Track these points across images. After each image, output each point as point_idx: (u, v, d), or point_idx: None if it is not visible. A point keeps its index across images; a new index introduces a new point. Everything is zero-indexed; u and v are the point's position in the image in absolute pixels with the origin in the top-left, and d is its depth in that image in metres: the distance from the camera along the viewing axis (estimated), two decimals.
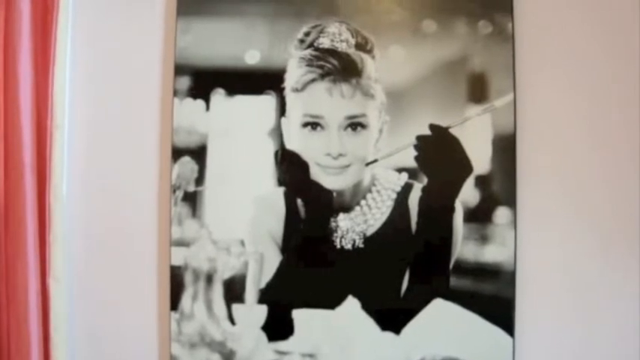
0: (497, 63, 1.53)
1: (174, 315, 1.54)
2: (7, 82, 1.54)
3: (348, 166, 1.53)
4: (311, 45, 1.54)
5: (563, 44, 1.56)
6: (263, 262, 1.54)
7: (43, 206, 1.54)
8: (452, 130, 1.51)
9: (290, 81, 1.54)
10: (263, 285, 1.54)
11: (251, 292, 1.54)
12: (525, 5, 1.55)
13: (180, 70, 1.58)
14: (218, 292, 1.54)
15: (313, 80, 1.53)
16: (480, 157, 1.52)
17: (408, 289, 1.52)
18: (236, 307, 1.54)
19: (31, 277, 1.51)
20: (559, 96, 1.55)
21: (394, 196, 1.54)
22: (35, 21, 1.55)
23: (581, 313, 1.54)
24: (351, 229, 1.53)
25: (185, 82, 1.58)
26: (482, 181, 1.52)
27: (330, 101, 1.52)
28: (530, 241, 1.53)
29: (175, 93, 1.58)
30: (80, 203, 1.60)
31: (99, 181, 1.61)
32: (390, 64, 1.54)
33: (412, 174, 1.53)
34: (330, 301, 1.52)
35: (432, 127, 1.51)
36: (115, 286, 1.60)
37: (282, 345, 1.53)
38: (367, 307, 1.52)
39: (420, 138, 1.51)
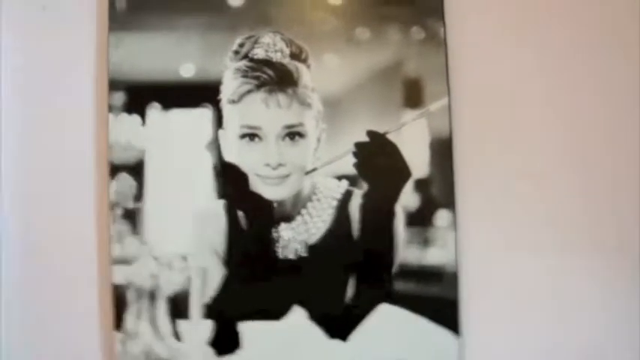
0: (431, 68, 1.55)
1: (118, 335, 1.51)
2: None
3: (287, 175, 1.52)
4: (246, 56, 1.54)
5: (494, 47, 1.59)
6: (206, 277, 1.52)
7: None
8: (389, 136, 1.53)
9: (226, 93, 1.53)
10: (208, 299, 1.52)
11: (196, 308, 1.52)
12: (456, 11, 1.57)
13: (114, 85, 1.55)
14: (162, 308, 1.52)
15: (249, 91, 1.52)
16: (419, 161, 1.54)
17: (353, 295, 1.52)
18: (181, 324, 1.52)
19: None
20: (493, 98, 1.58)
21: (335, 203, 1.55)
22: None
23: (524, 311, 1.56)
24: (293, 238, 1.53)
25: (120, 97, 1.55)
26: (421, 185, 1.54)
27: (267, 111, 1.52)
28: (471, 242, 1.55)
29: (110, 109, 1.55)
30: (15, 225, 1.56)
31: (33, 200, 1.57)
32: (326, 72, 1.55)
33: (352, 181, 1.54)
34: (275, 312, 1.51)
35: (370, 133, 1.52)
36: (55, 309, 1.55)
37: (230, 359, 1.51)
38: (313, 316, 1.51)
39: (358, 145, 1.52)
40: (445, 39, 1.56)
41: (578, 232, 1.57)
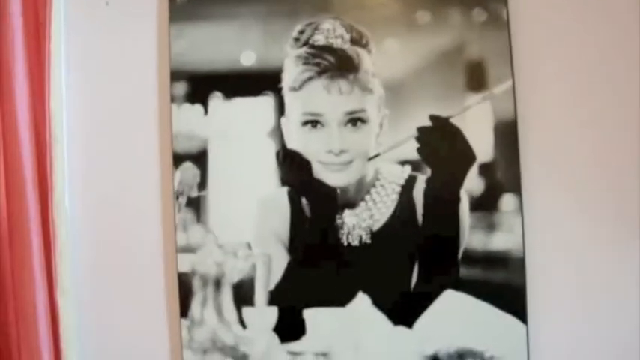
0: (494, 50, 1.52)
1: (185, 322, 1.54)
2: (3, 98, 1.53)
3: (350, 162, 1.52)
4: (306, 43, 1.53)
5: (558, 28, 1.55)
6: (271, 264, 1.53)
7: (46, 221, 1.53)
8: (452, 120, 1.51)
9: (287, 80, 1.53)
10: (272, 286, 1.53)
11: (260, 295, 1.53)
12: None
13: (176, 75, 1.57)
14: (227, 296, 1.54)
15: (310, 78, 1.52)
16: (483, 146, 1.51)
17: (417, 281, 1.51)
18: (246, 311, 1.53)
19: (38, 293, 1.50)
20: (558, 80, 1.54)
21: (398, 189, 1.53)
22: (28, 35, 1.54)
23: (592, 296, 1.53)
24: (357, 225, 1.52)
25: (182, 87, 1.57)
26: (486, 170, 1.51)
27: (329, 98, 1.51)
28: (537, 227, 1.52)
29: (173, 99, 1.57)
30: (83, 216, 1.60)
31: (101, 192, 1.60)
32: (387, 57, 1.53)
33: (415, 166, 1.52)
34: (340, 298, 1.51)
35: (433, 118, 1.51)
36: (123, 296, 1.59)
37: (294, 345, 1.52)
38: (378, 303, 1.51)
39: (420, 130, 1.51)
40: (508, 20, 1.53)
41: None
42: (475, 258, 1.51)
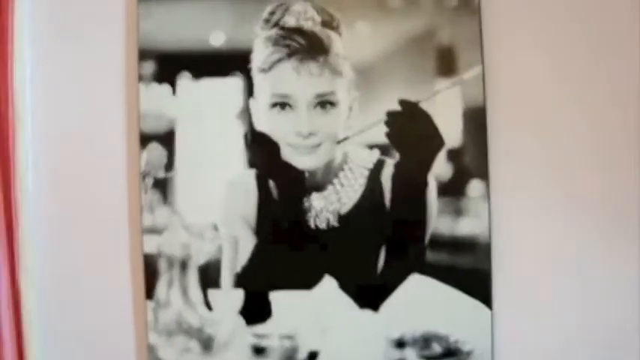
0: (465, 36, 1.53)
1: (150, 304, 1.52)
2: None
3: (319, 145, 1.51)
4: (276, 24, 1.52)
5: (529, 15, 1.55)
6: (237, 246, 1.52)
7: (8, 200, 1.50)
8: (422, 105, 1.51)
9: (257, 61, 1.52)
10: (238, 269, 1.52)
11: (227, 277, 1.52)
12: None
13: (144, 54, 1.55)
14: (193, 278, 1.53)
15: (280, 60, 1.51)
16: (451, 131, 1.52)
17: (384, 265, 1.51)
18: (212, 293, 1.52)
19: (1, 275, 1.47)
20: (527, 66, 1.55)
21: (366, 173, 1.53)
22: None
23: (557, 282, 1.55)
24: (324, 208, 1.52)
25: (150, 66, 1.55)
26: (454, 155, 1.52)
27: (298, 80, 1.50)
28: (504, 213, 1.53)
29: (140, 78, 1.55)
30: (47, 195, 1.57)
31: (65, 171, 1.57)
32: (357, 40, 1.53)
33: (384, 150, 1.52)
34: (306, 281, 1.51)
35: (402, 102, 1.50)
36: (87, 278, 1.57)
37: (260, 328, 1.52)
38: (344, 286, 1.51)
39: (390, 114, 1.50)
40: (479, 6, 1.53)
41: (609, 205, 1.54)
42: (442, 243, 1.52)
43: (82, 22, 1.59)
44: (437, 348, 1.51)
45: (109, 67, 1.57)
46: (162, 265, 1.53)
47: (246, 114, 1.53)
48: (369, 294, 1.51)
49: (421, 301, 1.51)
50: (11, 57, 1.51)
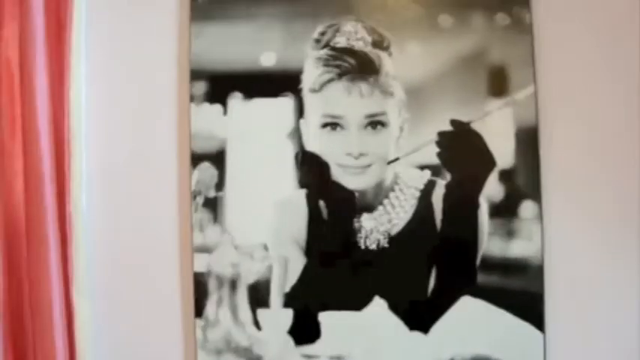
0: (517, 55, 1.51)
1: (199, 322, 1.53)
2: (23, 93, 1.53)
3: (369, 165, 1.51)
4: (327, 44, 1.53)
5: (582, 33, 1.53)
6: (287, 266, 1.52)
7: (63, 218, 1.53)
8: (473, 125, 1.49)
9: (307, 82, 1.53)
10: (288, 289, 1.52)
11: (276, 297, 1.52)
12: None
13: (195, 75, 1.57)
14: (243, 297, 1.53)
15: (331, 80, 1.51)
16: (503, 152, 1.50)
17: (435, 287, 1.50)
18: (261, 312, 1.52)
19: (54, 291, 1.50)
20: (580, 87, 1.53)
21: (417, 194, 1.52)
22: (49, 31, 1.54)
23: (611, 306, 1.51)
24: (375, 228, 1.52)
25: (201, 87, 1.57)
26: (506, 176, 1.50)
27: (349, 100, 1.50)
28: (556, 235, 1.51)
29: (192, 98, 1.57)
30: (100, 213, 1.59)
31: (118, 190, 1.60)
32: (408, 60, 1.52)
33: (435, 171, 1.51)
34: (356, 302, 1.50)
35: (453, 122, 1.49)
36: (138, 295, 1.58)
37: (309, 349, 1.51)
38: (394, 307, 1.50)
39: (441, 134, 1.50)
40: (531, 26, 1.51)
41: None
42: (493, 264, 1.50)
43: (136, 42, 1.61)
44: None
45: (162, 87, 1.59)
46: (211, 283, 1.54)
47: (297, 134, 1.54)
48: (419, 316, 1.50)
49: (472, 324, 1.49)
50: (68, 77, 1.54)
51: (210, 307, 1.54)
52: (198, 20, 1.57)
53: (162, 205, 1.58)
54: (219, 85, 1.56)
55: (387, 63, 1.51)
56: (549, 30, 1.52)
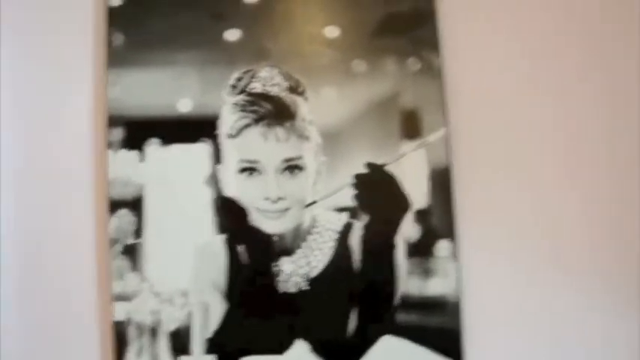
0: (428, 99, 1.56)
1: None
2: None
3: (287, 209, 1.52)
4: (243, 90, 1.54)
5: (490, 77, 1.60)
6: (208, 312, 1.51)
7: None
8: (388, 167, 1.53)
9: (224, 127, 1.54)
10: (209, 334, 1.51)
11: (197, 343, 1.51)
12: (451, 42, 1.59)
13: (113, 121, 1.56)
14: (164, 345, 1.51)
15: (247, 125, 1.52)
16: (418, 192, 1.54)
17: (356, 327, 1.51)
18: (183, 359, 1.51)
19: None
20: (491, 127, 1.59)
21: (335, 236, 1.54)
22: None
23: (528, 342, 1.56)
24: (294, 272, 1.52)
25: (118, 133, 1.56)
26: (421, 216, 1.54)
27: (266, 145, 1.52)
28: (472, 272, 1.55)
29: (109, 145, 1.55)
30: (14, 263, 1.55)
31: (33, 238, 1.56)
32: (323, 105, 1.55)
33: (352, 213, 1.54)
34: (278, 346, 1.50)
35: (369, 165, 1.53)
36: (55, 345, 1.54)
37: None
38: (316, 349, 1.50)
39: (357, 177, 1.52)
40: (441, 70, 1.57)
41: (580, 262, 1.57)
42: (412, 303, 1.53)
43: (51, 88, 1.59)
44: None
45: (78, 133, 1.57)
46: (131, 332, 1.51)
47: (215, 179, 1.54)
48: (341, 356, 1.50)
49: None
50: None
51: (130, 357, 1.51)
52: (115, 66, 1.57)
53: (80, 253, 1.55)
54: (137, 131, 1.56)
55: (303, 107, 1.54)
56: (458, 73, 1.58)
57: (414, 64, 1.57)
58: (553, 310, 1.56)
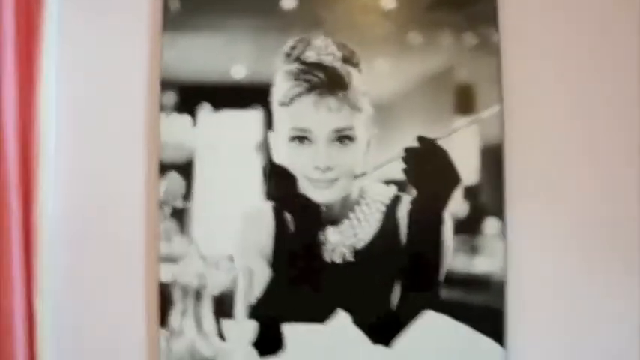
0: (484, 74, 1.54)
1: (164, 332, 1.53)
2: None
3: (336, 179, 1.52)
4: (297, 59, 1.54)
5: (548, 54, 1.56)
6: (252, 277, 1.53)
7: (28, 225, 1.52)
8: (439, 142, 1.51)
9: (277, 95, 1.54)
10: (253, 300, 1.53)
11: (241, 308, 1.53)
12: (510, 17, 1.55)
13: (166, 85, 1.57)
14: (207, 308, 1.53)
15: (300, 94, 1.52)
16: (468, 169, 1.52)
17: (398, 301, 1.51)
18: (226, 323, 1.52)
19: (16, 297, 1.49)
20: (546, 105, 1.56)
21: (383, 209, 1.54)
22: (20, 38, 1.53)
23: (571, 322, 1.54)
24: (340, 242, 1.53)
25: (171, 97, 1.57)
26: (470, 193, 1.52)
27: (317, 114, 1.52)
28: (519, 252, 1.53)
29: (162, 108, 1.57)
30: (67, 221, 1.59)
31: (85, 198, 1.59)
32: (377, 76, 1.54)
33: (401, 186, 1.53)
34: (320, 315, 1.51)
35: (420, 139, 1.51)
36: (102, 305, 1.58)
37: None
38: (358, 321, 1.51)
39: (408, 150, 1.51)
40: (498, 46, 1.54)
41: (633, 247, 1.54)
42: (457, 280, 1.52)
43: (108, 50, 1.62)
44: None
45: (132, 95, 1.59)
46: (176, 294, 1.54)
47: (265, 147, 1.55)
48: (382, 329, 1.51)
49: (434, 338, 1.51)
50: (38, 85, 1.53)
51: (174, 318, 1.53)
52: (170, 30, 1.58)
53: (130, 214, 1.58)
54: (189, 96, 1.57)
55: (357, 78, 1.53)
56: (516, 50, 1.55)
57: (470, 38, 1.54)
58: (599, 292, 1.54)
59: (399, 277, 1.51)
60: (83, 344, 1.57)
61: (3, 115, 1.51)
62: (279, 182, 1.53)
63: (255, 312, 1.52)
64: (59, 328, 1.56)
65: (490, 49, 1.54)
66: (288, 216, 1.54)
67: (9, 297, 1.49)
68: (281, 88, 1.54)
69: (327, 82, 1.52)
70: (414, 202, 1.52)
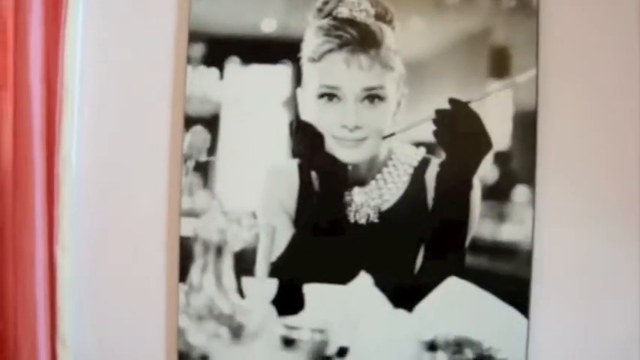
0: (521, 38, 1.49)
1: (183, 287, 1.52)
2: (16, 47, 1.51)
3: (364, 139, 1.49)
4: (329, 14, 1.50)
5: (589, 18, 1.52)
6: (275, 235, 1.51)
7: (51, 174, 1.51)
8: (472, 105, 1.48)
9: (307, 51, 1.50)
10: (274, 258, 1.51)
11: (262, 266, 1.51)
12: None
13: (194, 37, 1.54)
14: (228, 264, 1.52)
15: (331, 50, 1.49)
16: (500, 134, 1.48)
17: (422, 266, 1.49)
18: (246, 281, 1.51)
19: (38, 245, 1.49)
20: (583, 73, 1.51)
21: (411, 171, 1.51)
22: None
23: (595, 296, 1.51)
24: (365, 203, 1.50)
25: (199, 49, 1.54)
26: (501, 158, 1.49)
27: (348, 72, 1.48)
28: (548, 221, 1.49)
29: (189, 60, 1.54)
30: (90, 172, 1.57)
31: (109, 148, 1.58)
32: (411, 35, 1.50)
33: (430, 149, 1.50)
34: (342, 276, 1.49)
35: (452, 101, 1.48)
36: (123, 256, 1.57)
37: (291, 320, 1.50)
38: (380, 284, 1.49)
39: (439, 112, 1.48)
40: (537, 8, 1.49)
41: None
42: (482, 247, 1.49)
43: (134, 3, 1.59)
44: (469, 353, 1.48)
45: (159, 47, 1.56)
46: (197, 249, 1.52)
47: (293, 103, 1.52)
48: (404, 294, 1.49)
49: (457, 305, 1.48)
50: (64, 31, 1.51)
51: (194, 273, 1.52)
52: None
53: (153, 166, 1.56)
54: (218, 49, 1.53)
55: (389, 36, 1.49)
56: (555, 13, 1.50)
57: (508, 0, 1.50)
58: (623, 269, 1.50)
59: (424, 241, 1.49)
60: (102, 295, 1.57)
61: (29, 62, 1.50)
62: (305, 140, 1.51)
63: (275, 270, 1.51)
64: (79, 278, 1.55)
65: (529, 10, 1.49)
66: (313, 174, 1.51)
67: (31, 244, 1.48)
68: (311, 43, 1.50)
69: (358, 39, 1.48)
70: (443, 166, 1.49)
